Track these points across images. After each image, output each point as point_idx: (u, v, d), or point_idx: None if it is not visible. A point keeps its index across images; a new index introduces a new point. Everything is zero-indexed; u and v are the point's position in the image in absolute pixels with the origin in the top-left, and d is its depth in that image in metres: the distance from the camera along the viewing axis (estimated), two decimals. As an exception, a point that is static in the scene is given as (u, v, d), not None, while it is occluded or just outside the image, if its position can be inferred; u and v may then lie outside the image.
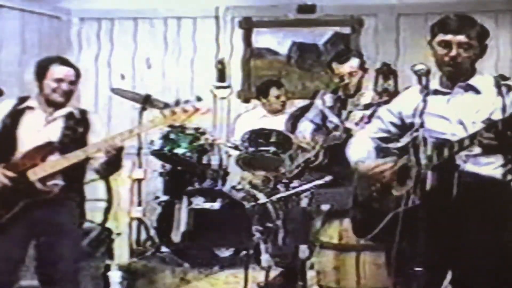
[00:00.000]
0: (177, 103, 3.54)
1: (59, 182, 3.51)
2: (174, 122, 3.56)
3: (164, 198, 5.59)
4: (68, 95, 3.62)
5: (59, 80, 3.58)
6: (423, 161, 2.78)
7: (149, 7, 6.75)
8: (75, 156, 3.48)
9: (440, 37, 2.89)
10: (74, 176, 3.58)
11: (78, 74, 3.67)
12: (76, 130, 3.60)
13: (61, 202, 3.54)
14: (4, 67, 5.99)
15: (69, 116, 3.63)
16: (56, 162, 3.48)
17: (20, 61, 6.11)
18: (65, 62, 3.66)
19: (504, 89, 2.82)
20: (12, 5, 6.30)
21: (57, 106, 3.61)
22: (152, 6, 6.74)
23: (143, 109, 5.33)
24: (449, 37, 2.86)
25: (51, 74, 3.58)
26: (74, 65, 3.69)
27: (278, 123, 5.57)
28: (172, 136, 5.44)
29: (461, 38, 2.84)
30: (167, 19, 6.79)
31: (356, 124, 4.42)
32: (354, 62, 4.62)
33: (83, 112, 3.72)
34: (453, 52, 2.85)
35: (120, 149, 3.50)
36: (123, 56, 6.84)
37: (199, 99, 3.56)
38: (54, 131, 3.58)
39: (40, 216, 3.50)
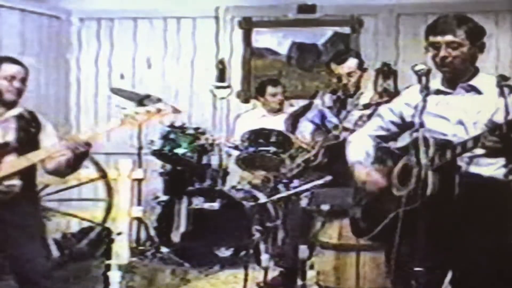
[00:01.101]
0: (140, 102, 3.54)
1: (17, 182, 3.47)
2: (136, 122, 3.53)
3: (164, 198, 5.60)
4: (20, 93, 3.56)
5: (12, 78, 3.52)
6: (423, 161, 2.78)
7: (149, 7, 6.75)
8: (36, 156, 3.46)
9: (430, 39, 2.91)
10: (29, 175, 3.54)
11: (27, 73, 3.61)
12: (29, 130, 3.57)
13: (20, 202, 3.50)
14: (4, 67, 5.99)
15: (20, 117, 3.58)
16: (16, 162, 3.45)
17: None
18: (15, 61, 3.60)
19: (506, 90, 2.82)
20: (12, 5, 6.30)
21: (8, 106, 3.56)
22: (152, 6, 6.74)
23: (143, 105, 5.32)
24: (437, 38, 2.88)
25: (3, 72, 3.52)
26: (23, 64, 3.63)
27: (278, 122, 5.58)
28: (172, 136, 5.45)
29: (448, 38, 2.86)
30: (167, 19, 6.80)
31: (356, 124, 4.43)
32: (352, 63, 4.62)
33: (32, 113, 3.66)
34: (442, 53, 2.87)
35: (89, 148, 3.48)
36: (123, 56, 6.84)
37: (158, 100, 3.57)
38: (7, 132, 3.53)
39: (2, 217, 3.46)
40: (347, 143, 3.33)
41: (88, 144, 3.45)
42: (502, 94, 2.81)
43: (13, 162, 3.45)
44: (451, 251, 2.87)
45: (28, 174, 3.52)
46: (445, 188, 2.75)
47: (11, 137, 3.52)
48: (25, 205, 3.54)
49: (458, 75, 2.92)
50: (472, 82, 2.92)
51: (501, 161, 2.83)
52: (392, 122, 3.14)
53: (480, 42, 2.92)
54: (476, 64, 2.96)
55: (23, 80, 3.58)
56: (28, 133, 3.56)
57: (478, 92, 2.91)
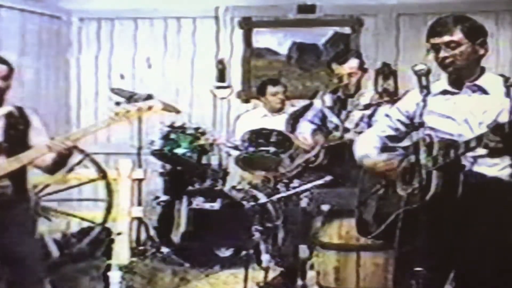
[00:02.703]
0: (129, 100, 3.53)
1: (8, 184, 3.44)
2: (127, 119, 3.50)
3: (164, 198, 5.59)
4: (2, 91, 3.51)
5: None
6: (423, 161, 2.79)
7: (149, 7, 6.75)
8: (27, 156, 3.42)
9: (431, 41, 2.94)
10: (19, 176, 3.50)
11: (10, 70, 3.55)
12: (18, 128, 3.53)
13: (13, 203, 3.48)
14: (4, 67, 5.99)
15: (9, 115, 3.53)
16: (7, 163, 3.40)
17: (20, 61, 6.11)
18: None
19: None
20: (12, 5, 6.29)
21: None
22: (152, 6, 6.74)
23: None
24: (435, 40, 2.91)
25: None
26: (6, 61, 3.56)
27: (279, 122, 5.58)
28: (172, 136, 5.45)
29: (446, 38, 2.88)
30: (167, 19, 6.79)
31: (356, 124, 4.43)
32: (353, 63, 4.62)
33: (21, 110, 3.61)
34: (442, 53, 2.89)
35: (72, 149, 3.46)
36: (123, 56, 6.84)
37: (149, 97, 3.55)
38: None
39: None
40: (355, 142, 3.35)
41: (71, 148, 3.42)
42: (508, 94, 2.81)
43: (4, 164, 3.41)
44: (455, 251, 2.87)
45: (18, 175, 3.47)
46: (449, 187, 2.75)
47: (0, 137, 3.48)
48: (17, 207, 3.51)
49: (463, 74, 2.92)
50: (478, 82, 2.93)
51: (507, 161, 2.83)
52: (401, 122, 3.15)
53: (481, 41, 2.92)
54: (480, 63, 2.96)
55: (5, 78, 3.51)
56: (17, 131, 3.52)
57: (485, 92, 2.91)
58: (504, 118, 2.72)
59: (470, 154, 2.79)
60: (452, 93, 2.95)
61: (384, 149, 3.16)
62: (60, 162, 3.53)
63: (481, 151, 2.76)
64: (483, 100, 2.89)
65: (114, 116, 3.44)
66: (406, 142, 3.10)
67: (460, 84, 2.94)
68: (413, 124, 3.06)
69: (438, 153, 2.80)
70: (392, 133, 3.18)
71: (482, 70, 2.95)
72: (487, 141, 2.63)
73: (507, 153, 2.75)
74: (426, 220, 2.62)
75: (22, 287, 3.52)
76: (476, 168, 2.85)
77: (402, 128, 3.15)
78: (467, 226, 2.83)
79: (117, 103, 3.56)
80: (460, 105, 2.91)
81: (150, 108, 3.48)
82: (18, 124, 3.55)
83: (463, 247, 2.86)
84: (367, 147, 3.20)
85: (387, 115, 3.25)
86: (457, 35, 2.87)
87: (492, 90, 2.89)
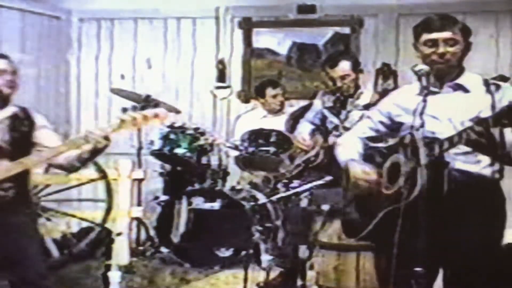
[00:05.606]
0: (135, 108, 3.53)
1: (10, 186, 3.41)
2: (133, 127, 3.49)
3: (164, 198, 5.59)
4: (13, 86, 3.50)
5: (2, 72, 3.45)
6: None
7: (149, 7, 6.75)
8: (30, 161, 3.41)
9: (425, 36, 2.93)
10: (21, 179, 3.47)
11: (16, 68, 3.54)
12: (21, 130, 3.50)
13: (15, 205, 3.45)
14: (4, 67, 5.99)
15: (14, 117, 3.52)
16: (11, 166, 3.38)
17: (20, 61, 6.10)
18: (0, 55, 3.53)
19: (492, 88, 2.85)
20: (12, 5, 6.30)
21: (1, 103, 3.50)
22: (152, 6, 6.74)
23: (143, 109, 5.32)
24: (434, 35, 2.90)
25: None
26: (9, 57, 3.55)
27: (279, 123, 5.58)
28: (172, 136, 5.45)
29: (447, 34, 2.89)
30: (167, 19, 6.80)
31: (356, 124, 4.43)
32: (345, 65, 4.62)
33: (25, 110, 3.59)
34: (441, 49, 2.88)
35: (108, 139, 3.44)
36: (123, 56, 6.85)
37: (156, 105, 3.54)
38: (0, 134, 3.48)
39: None
40: (336, 145, 3.33)
41: (107, 139, 3.42)
42: (489, 91, 2.83)
43: (8, 167, 3.38)
44: (442, 248, 2.87)
45: (20, 177, 3.45)
46: (434, 185, 2.75)
47: (4, 139, 3.46)
48: (20, 208, 3.50)
49: (449, 73, 2.94)
50: (459, 81, 2.94)
51: (487, 160, 2.85)
52: (381, 123, 3.15)
53: (469, 41, 2.95)
54: (462, 63, 2.98)
55: (13, 73, 3.50)
56: (20, 133, 3.50)
57: (465, 90, 2.92)
58: (485, 115, 2.73)
59: (453, 151, 2.80)
60: (434, 93, 2.94)
61: (367, 153, 3.14)
62: (88, 158, 3.48)
63: (464, 148, 2.77)
64: (465, 99, 2.91)
65: (120, 123, 3.44)
66: (390, 142, 3.09)
67: (441, 83, 2.95)
68: (394, 125, 3.07)
69: (422, 151, 2.79)
70: (372, 134, 3.18)
71: (462, 70, 2.97)
72: (470, 131, 2.63)
73: (487, 151, 2.75)
74: (412, 218, 2.62)
75: (26, 286, 3.52)
76: (461, 166, 2.86)
77: (382, 129, 3.15)
78: (453, 223, 2.84)
79: (124, 109, 3.55)
80: (443, 104, 2.91)
81: (156, 116, 3.48)
82: (22, 126, 3.53)
83: (450, 244, 2.86)
84: (351, 151, 3.18)
85: (368, 117, 3.25)
86: (457, 33, 2.89)
87: (473, 88, 2.91)
